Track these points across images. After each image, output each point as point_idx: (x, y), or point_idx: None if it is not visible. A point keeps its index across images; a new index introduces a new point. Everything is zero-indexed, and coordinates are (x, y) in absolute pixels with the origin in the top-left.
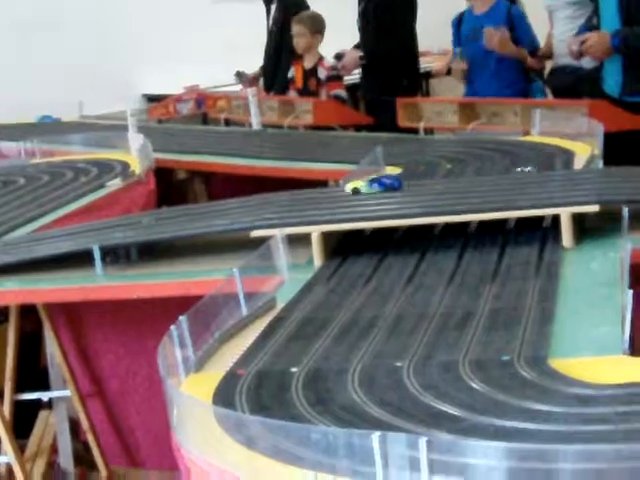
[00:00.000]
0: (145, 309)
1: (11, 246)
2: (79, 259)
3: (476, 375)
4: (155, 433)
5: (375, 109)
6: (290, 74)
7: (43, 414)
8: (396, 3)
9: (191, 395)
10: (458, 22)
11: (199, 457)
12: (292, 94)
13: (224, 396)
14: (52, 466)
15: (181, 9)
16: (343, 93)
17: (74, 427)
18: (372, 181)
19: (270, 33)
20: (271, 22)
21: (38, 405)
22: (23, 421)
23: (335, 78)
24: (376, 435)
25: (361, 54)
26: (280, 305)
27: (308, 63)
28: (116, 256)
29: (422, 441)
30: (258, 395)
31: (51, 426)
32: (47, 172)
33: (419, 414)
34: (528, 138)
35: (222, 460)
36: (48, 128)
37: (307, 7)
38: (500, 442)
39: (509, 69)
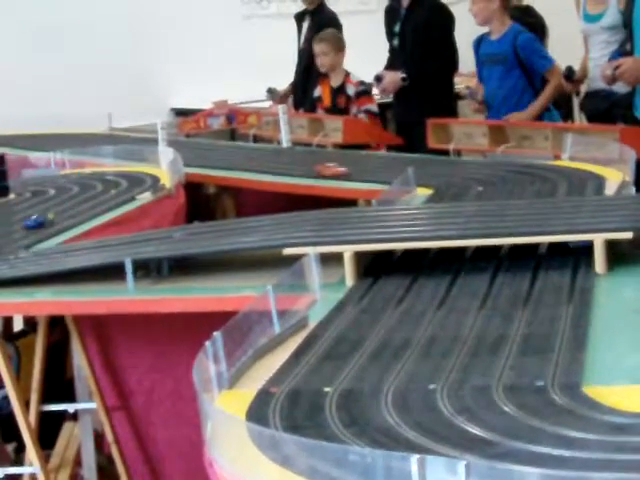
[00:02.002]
0: (173, 324)
1: (41, 257)
2: (109, 271)
3: (510, 400)
4: (180, 448)
5: (406, 129)
6: (316, 94)
7: (68, 426)
8: (438, 21)
9: (226, 411)
10: (478, 45)
11: (232, 473)
12: (320, 113)
13: (257, 414)
14: (75, 478)
15: (213, 24)
16: (374, 107)
17: (98, 440)
18: None
19: (301, 51)
20: (302, 40)
21: (63, 416)
22: (48, 432)
23: (364, 93)
24: (415, 458)
25: (403, 76)
26: (312, 324)
27: (335, 81)
28: (147, 270)
29: (461, 465)
30: (291, 414)
31: (75, 438)
32: (77, 183)
33: (453, 438)
34: (558, 163)
35: (256, 477)
36: (78, 139)
37: (339, 26)
38: (537, 468)
39: (522, 95)
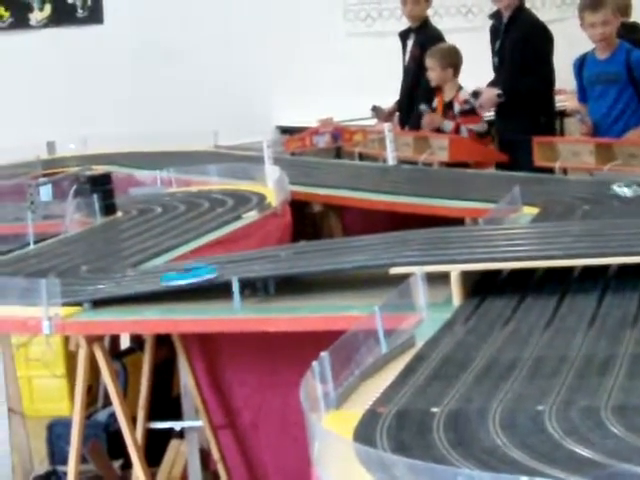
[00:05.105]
0: (280, 343)
1: (149, 275)
2: (216, 290)
3: (618, 421)
4: (286, 467)
5: (510, 147)
6: (433, 104)
7: (174, 443)
8: (534, 40)
9: (333, 431)
10: (580, 65)
11: None
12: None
13: (365, 434)
14: None
15: (317, 41)
16: (478, 127)
17: (204, 457)
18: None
19: (406, 68)
20: (407, 57)
21: (169, 434)
22: (154, 449)
23: (469, 112)
24: None
25: (499, 92)
26: (419, 344)
27: (447, 95)
28: (254, 289)
29: None
30: (399, 434)
31: (182, 455)
32: (183, 202)
33: (561, 459)
34: None
35: None
36: (184, 157)
37: (444, 42)
38: None
39: (634, 113)
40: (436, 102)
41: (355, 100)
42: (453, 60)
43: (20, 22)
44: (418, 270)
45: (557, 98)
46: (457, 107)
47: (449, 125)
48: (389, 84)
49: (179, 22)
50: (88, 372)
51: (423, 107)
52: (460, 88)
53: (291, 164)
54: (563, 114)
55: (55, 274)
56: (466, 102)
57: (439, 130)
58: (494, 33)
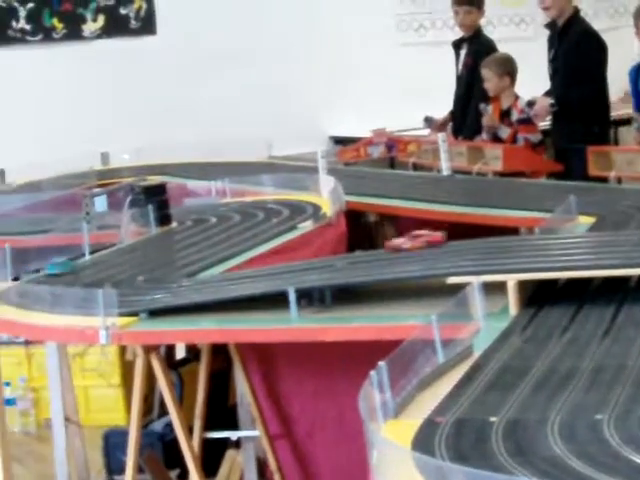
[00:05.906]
0: (336, 352)
1: (204, 285)
2: (272, 300)
3: None
4: (342, 476)
5: (565, 156)
6: (489, 111)
7: (231, 453)
8: (587, 49)
9: (392, 440)
10: (636, 73)
11: None
12: (484, 136)
13: (423, 444)
14: None
15: (370, 51)
16: (534, 137)
17: (261, 467)
18: None
19: (459, 78)
20: (460, 67)
21: (225, 443)
22: (211, 459)
23: (525, 121)
24: None
25: (552, 101)
26: (476, 353)
27: (504, 103)
28: (310, 299)
29: None
30: (457, 444)
31: (238, 465)
32: (238, 212)
33: (621, 468)
34: None
35: None
36: (238, 168)
37: (497, 51)
38: None
39: None
40: (491, 109)
41: (409, 110)
42: (509, 68)
43: (73, 33)
44: (475, 280)
45: (613, 106)
46: (515, 115)
47: (506, 131)
48: (442, 94)
49: (232, 33)
50: (144, 382)
51: (482, 106)
52: (517, 97)
53: (345, 174)
54: (618, 123)
55: (111, 284)
56: (523, 111)
57: (495, 135)
58: (549, 42)
